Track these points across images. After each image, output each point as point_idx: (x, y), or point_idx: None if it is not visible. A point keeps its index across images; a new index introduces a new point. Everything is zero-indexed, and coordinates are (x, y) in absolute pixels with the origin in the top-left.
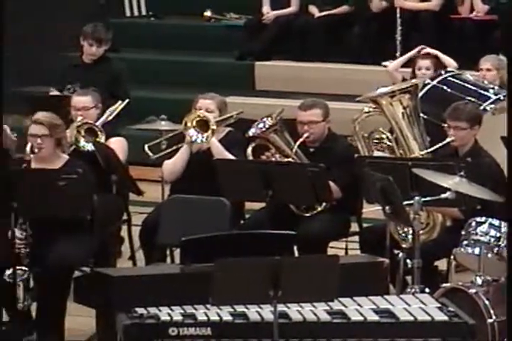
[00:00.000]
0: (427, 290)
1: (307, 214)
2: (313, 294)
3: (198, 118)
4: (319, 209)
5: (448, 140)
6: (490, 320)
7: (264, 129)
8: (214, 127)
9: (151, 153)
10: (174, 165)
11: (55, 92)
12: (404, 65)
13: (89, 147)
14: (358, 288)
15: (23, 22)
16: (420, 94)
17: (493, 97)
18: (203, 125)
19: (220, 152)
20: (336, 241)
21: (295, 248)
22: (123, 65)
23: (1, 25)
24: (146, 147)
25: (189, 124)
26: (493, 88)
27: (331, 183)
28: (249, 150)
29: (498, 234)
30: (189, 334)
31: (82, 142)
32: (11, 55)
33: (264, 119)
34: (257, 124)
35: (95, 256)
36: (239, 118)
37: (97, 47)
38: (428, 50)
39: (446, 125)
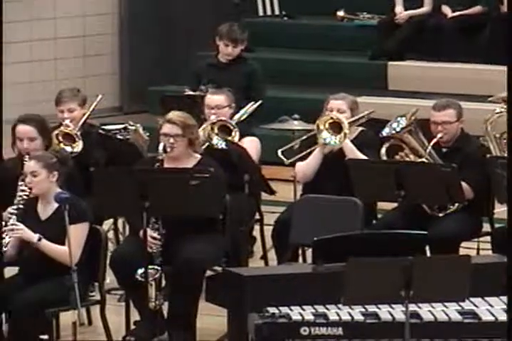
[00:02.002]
0: None
1: (440, 215)
2: (445, 294)
3: (330, 121)
4: (452, 209)
5: None
6: None
7: (398, 129)
8: (347, 130)
9: (285, 159)
10: (307, 167)
11: (189, 92)
12: None
13: (222, 145)
14: (490, 288)
15: (158, 22)
16: None
17: None
18: (336, 127)
19: (353, 152)
20: (467, 242)
21: (427, 248)
22: (258, 65)
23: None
24: (279, 152)
25: (322, 127)
26: None
27: (463, 183)
28: (383, 150)
29: None
30: (320, 334)
31: (215, 140)
32: (147, 54)
33: (398, 119)
34: (391, 124)
35: (227, 255)
36: (371, 117)
37: (232, 47)
38: None
39: None
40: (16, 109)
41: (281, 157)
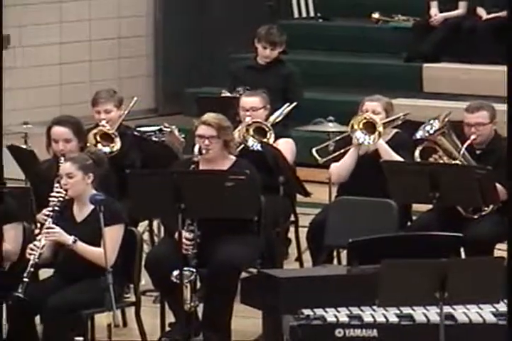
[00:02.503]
0: None
1: (475, 217)
2: (480, 296)
3: (364, 121)
4: (486, 211)
5: None
6: None
7: (431, 132)
8: (381, 129)
9: (319, 157)
10: (342, 168)
11: (225, 94)
12: None
13: (257, 147)
14: None
15: (193, 24)
16: None
17: None
18: (370, 127)
19: (388, 153)
20: (502, 243)
21: (462, 250)
22: (296, 68)
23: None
24: (313, 151)
25: (356, 127)
26: None
27: (498, 185)
28: (417, 153)
29: None
30: (355, 336)
31: (251, 141)
32: (182, 56)
33: (432, 122)
34: (424, 127)
35: (262, 257)
36: (406, 119)
37: (270, 49)
38: None
39: None
40: (50, 111)
41: (315, 155)
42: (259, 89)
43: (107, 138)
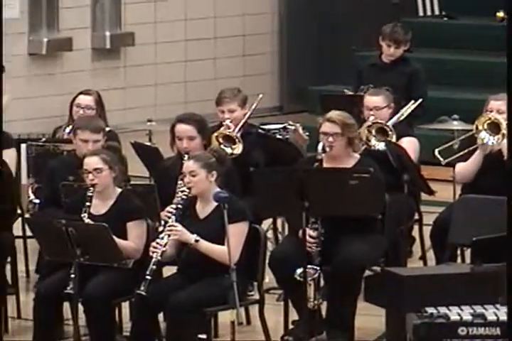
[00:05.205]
0: None
1: None
2: None
3: (489, 121)
4: None
5: None
6: None
7: None
8: (505, 131)
9: (441, 158)
10: (467, 168)
11: (349, 92)
12: None
13: (380, 146)
14: None
15: (318, 22)
16: None
17: None
18: (495, 127)
19: None
20: None
21: None
22: (420, 66)
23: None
24: (436, 151)
25: (480, 127)
26: None
27: None
28: None
29: None
30: (478, 334)
31: (374, 141)
32: (306, 54)
33: None
34: None
35: (386, 255)
36: None
37: (394, 48)
38: None
39: None
40: (174, 109)
41: (438, 156)
42: (383, 87)
43: (229, 139)
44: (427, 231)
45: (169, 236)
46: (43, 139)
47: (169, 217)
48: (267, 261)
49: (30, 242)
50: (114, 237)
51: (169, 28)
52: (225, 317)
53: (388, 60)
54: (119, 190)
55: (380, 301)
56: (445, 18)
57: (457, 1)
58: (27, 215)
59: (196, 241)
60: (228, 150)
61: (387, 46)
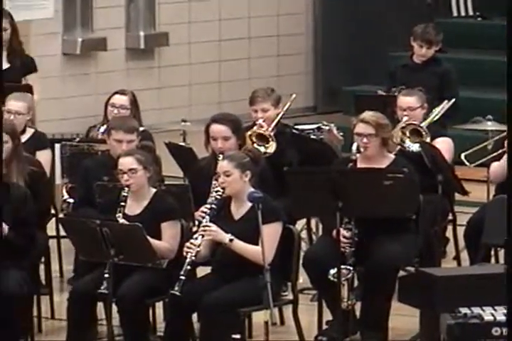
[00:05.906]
0: None
1: None
2: None
3: None
4: None
5: None
6: None
7: None
8: None
9: (467, 163)
10: (501, 168)
11: (382, 92)
12: None
13: (414, 147)
14: None
15: (351, 22)
16: None
17: None
18: None
19: None
20: None
21: None
22: (452, 66)
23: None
24: (462, 156)
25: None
26: None
27: None
28: None
29: None
30: None
31: (408, 142)
32: (340, 54)
33: None
34: None
35: (420, 255)
36: None
37: (426, 48)
38: None
39: None
40: (208, 109)
41: (464, 160)
42: (416, 87)
43: (262, 138)
44: (460, 231)
45: (203, 236)
46: (77, 139)
47: (203, 217)
48: (300, 262)
49: (64, 242)
50: (149, 237)
51: (203, 28)
52: (259, 317)
53: (420, 61)
54: (154, 190)
55: (414, 301)
56: (479, 19)
57: (491, 1)
58: (61, 215)
59: (231, 240)
60: (262, 149)
61: (418, 47)
